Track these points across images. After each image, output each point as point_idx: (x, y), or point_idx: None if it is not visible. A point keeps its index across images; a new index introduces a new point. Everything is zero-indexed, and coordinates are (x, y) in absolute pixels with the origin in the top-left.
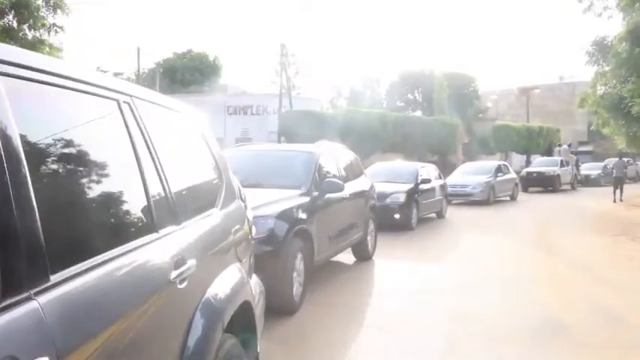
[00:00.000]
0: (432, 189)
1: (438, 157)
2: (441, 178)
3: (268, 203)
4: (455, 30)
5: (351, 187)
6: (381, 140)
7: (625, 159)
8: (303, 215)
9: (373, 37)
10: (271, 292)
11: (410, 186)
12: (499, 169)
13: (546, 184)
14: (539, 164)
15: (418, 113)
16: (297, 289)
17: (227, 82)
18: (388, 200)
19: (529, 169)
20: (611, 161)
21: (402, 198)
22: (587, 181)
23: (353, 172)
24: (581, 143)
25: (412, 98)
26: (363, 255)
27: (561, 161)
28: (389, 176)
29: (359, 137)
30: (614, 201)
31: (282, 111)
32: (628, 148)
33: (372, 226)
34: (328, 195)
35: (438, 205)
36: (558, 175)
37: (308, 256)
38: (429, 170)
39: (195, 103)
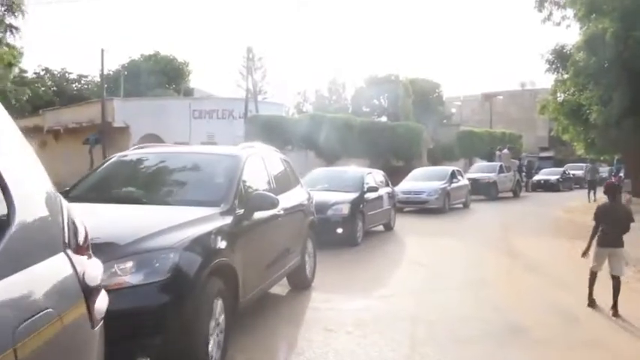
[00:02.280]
0: (380, 198)
1: (404, 162)
2: (389, 185)
3: (171, 229)
4: (420, 36)
5: (285, 201)
6: (347, 145)
7: (597, 165)
8: (222, 243)
9: (339, 43)
10: None
11: (354, 195)
12: (453, 175)
13: (481, 191)
14: (477, 170)
15: (384, 119)
16: (215, 353)
17: (193, 86)
18: (330, 212)
19: (467, 176)
20: (571, 166)
21: (345, 209)
22: (546, 186)
23: (287, 182)
24: (543, 149)
25: (378, 104)
26: (301, 283)
27: (501, 166)
28: (331, 184)
29: (325, 142)
30: (589, 201)
31: (248, 115)
32: (586, 153)
33: (310, 246)
34: (258, 213)
35: (386, 216)
36: (495, 183)
37: (231, 300)
38: (375, 176)
39: (160, 107)
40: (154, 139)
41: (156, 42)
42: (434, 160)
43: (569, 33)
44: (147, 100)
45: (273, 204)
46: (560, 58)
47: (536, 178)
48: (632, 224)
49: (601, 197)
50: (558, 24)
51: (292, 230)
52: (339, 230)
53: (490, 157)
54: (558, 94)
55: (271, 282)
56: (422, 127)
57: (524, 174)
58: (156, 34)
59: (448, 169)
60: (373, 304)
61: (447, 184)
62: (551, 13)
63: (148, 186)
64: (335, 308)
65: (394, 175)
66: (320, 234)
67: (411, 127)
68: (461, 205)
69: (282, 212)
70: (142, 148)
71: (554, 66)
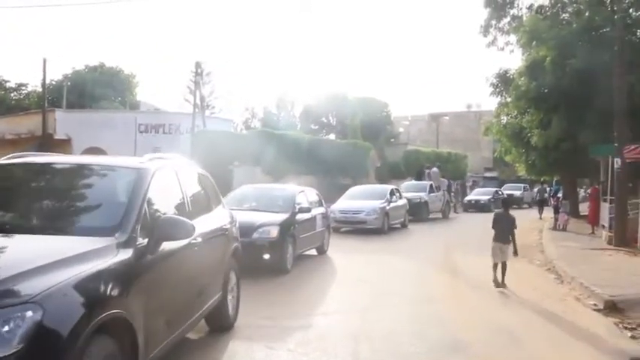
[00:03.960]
0: (313, 219)
1: (351, 180)
2: (322, 204)
3: (36, 270)
4: (369, 55)
5: (203, 225)
6: (295, 163)
7: (545, 186)
8: (115, 289)
9: (288, 59)
10: None
11: (285, 216)
12: (392, 194)
13: (412, 211)
14: (407, 189)
15: (332, 136)
16: None
17: (140, 99)
18: (256, 235)
19: None
20: (509, 186)
21: (273, 232)
22: (477, 207)
23: (206, 202)
24: (487, 169)
25: (326, 121)
26: (222, 324)
27: (431, 186)
28: (259, 203)
29: (273, 159)
30: (540, 218)
31: (195, 131)
32: (527, 174)
33: (234, 279)
34: (167, 244)
35: (319, 239)
36: (426, 203)
37: None
38: (308, 195)
39: (105, 120)
40: (97, 152)
41: (101, 53)
42: (381, 178)
43: (513, 58)
44: (91, 112)
45: (188, 232)
46: (504, 82)
47: (467, 198)
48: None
49: (548, 215)
50: (502, 49)
51: (212, 262)
52: (267, 256)
53: (419, 176)
54: (502, 117)
55: (184, 331)
56: (369, 146)
57: (452, 194)
58: (101, 45)
59: (387, 187)
60: (314, 321)
61: (385, 204)
62: (495, 39)
63: (14, 206)
64: (265, 347)
65: (341, 193)
66: (244, 260)
67: (359, 145)
68: (399, 226)
69: (198, 240)
70: (19, 157)
71: (497, 89)
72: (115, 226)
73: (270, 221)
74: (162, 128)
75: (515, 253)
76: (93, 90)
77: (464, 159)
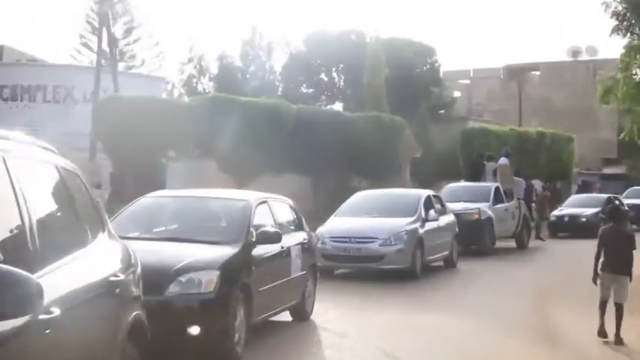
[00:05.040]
0: (284, 255)
1: (370, 181)
2: (301, 227)
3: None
4: None
5: (67, 281)
6: (274, 151)
7: None
8: None
9: None
10: None
11: (230, 251)
12: (429, 205)
13: (464, 237)
14: (453, 196)
15: (337, 106)
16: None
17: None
18: (174, 289)
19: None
20: (635, 191)
21: (209, 282)
22: (573, 227)
23: (73, 226)
24: (607, 161)
25: (328, 80)
26: None
27: (497, 190)
28: (183, 225)
29: (235, 146)
30: None
31: (99, 97)
32: None
33: None
34: None
35: (296, 291)
36: (489, 221)
37: None
38: (277, 210)
39: None
40: None
41: None
42: (422, 178)
43: None
44: None
45: (24, 303)
46: (637, 9)
47: (555, 212)
48: None
49: None
50: None
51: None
52: (195, 330)
53: (474, 172)
54: (634, 71)
55: None
56: (402, 122)
57: (534, 206)
58: None
59: (420, 193)
60: None
61: (417, 224)
62: None
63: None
64: None
65: None
66: (152, 340)
67: (385, 121)
68: (441, 263)
69: (53, 317)
70: None
71: (626, 22)
72: None
73: (201, 260)
74: (43, 93)
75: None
76: None
77: (567, 144)
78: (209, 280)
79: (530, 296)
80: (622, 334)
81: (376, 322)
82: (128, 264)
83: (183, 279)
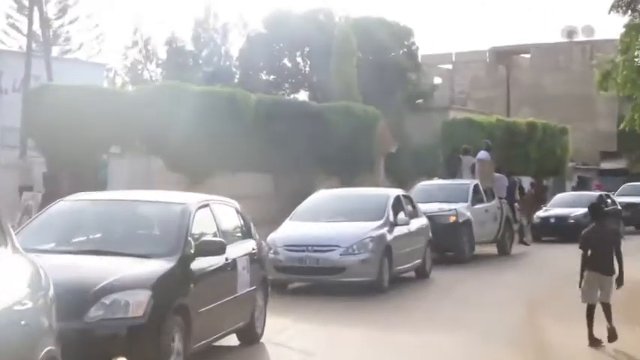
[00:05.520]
0: (229, 268)
1: (339, 179)
2: (250, 234)
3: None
4: None
5: None
6: (230, 146)
7: None
8: None
9: None
10: None
11: (164, 266)
12: (398, 206)
13: (438, 243)
14: (426, 197)
15: (302, 96)
16: None
17: None
18: (95, 313)
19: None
20: (630, 188)
21: (138, 304)
22: (559, 230)
23: None
24: (606, 155)
25: (291, 66)
26: None
27: (475, 188)
28: (108, 234)
29: (185, 140)
30: None
31: (30, 86)
32: None
33: None
34: None
35: (244, 313)
36: (467, 224)
37: None
38: (219, 214)
39: None
40: None
41: None
42: (398, 176)
43: None
44: None
45: None
46: None
47: (540, 213)
48: None
49: None
50: None
51: None
52: None
53: (451, 168)
54: (635, 53)
55: None
56: (376, 113)
57: (517, 206)
58: None
59: (387, 194)
60: None
61: (385, 229)
62: None
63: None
64: None
65: None
66: None
67: (355, 113)
68: (412, 273)
69: None
70: None
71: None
72: None
73: (129, 278)
74: None
75: (621, 282)
76: None
77: (561, 136)
78: (138, 302)
79: (513, 309)
80: (620, 346)
81: (344, 338)
82: (37, 286)
83: (106, 301)
